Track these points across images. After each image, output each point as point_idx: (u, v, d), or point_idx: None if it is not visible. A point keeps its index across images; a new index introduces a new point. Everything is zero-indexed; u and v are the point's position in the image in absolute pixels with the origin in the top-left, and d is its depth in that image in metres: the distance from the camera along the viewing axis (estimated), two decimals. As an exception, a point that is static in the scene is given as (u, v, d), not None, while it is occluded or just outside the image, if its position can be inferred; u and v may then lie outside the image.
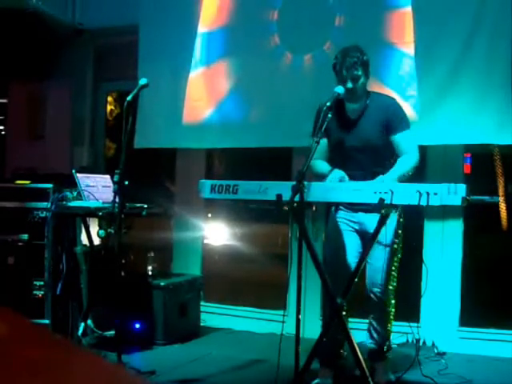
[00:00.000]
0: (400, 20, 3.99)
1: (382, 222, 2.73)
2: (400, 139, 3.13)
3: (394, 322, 3.32)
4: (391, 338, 3.36)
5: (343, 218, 3.23)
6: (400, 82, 3.96)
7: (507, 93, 3.62)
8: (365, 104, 3.17)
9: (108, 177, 4.03)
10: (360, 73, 3.05)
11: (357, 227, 3.21)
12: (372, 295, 3.22)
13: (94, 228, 3.88)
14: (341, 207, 3.22)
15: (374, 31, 4.04)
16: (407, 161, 3.11)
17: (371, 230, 2.97)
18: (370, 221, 3.07)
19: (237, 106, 4.54)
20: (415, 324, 3.79)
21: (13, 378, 0.57)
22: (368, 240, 2.98)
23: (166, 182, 5.54)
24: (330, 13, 4.20)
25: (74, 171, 3.86)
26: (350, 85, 3.03)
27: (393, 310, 3.25)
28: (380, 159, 3.13)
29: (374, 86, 3.61)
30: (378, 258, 3.12)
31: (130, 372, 2.80)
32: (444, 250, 4.08)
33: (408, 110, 3.77)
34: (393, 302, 3.23)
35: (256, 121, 4.45)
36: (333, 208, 3.26)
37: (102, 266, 3.84)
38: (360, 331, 3.36)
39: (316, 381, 3.21)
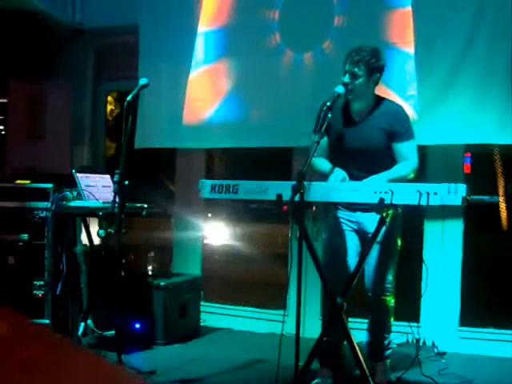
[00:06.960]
0: (400, 20, 3.99)
1: (382, 223, 2.72)
2: (402, 148, 3.13)
3: (394, 322, 3.31)
4: (391, 337, 3.36)
5: (341, 217, 3.22)
6: (400, 82, 3.95)
7: (507, 93, 3.62)
8: (370, 106, 3.16)
9: (108, 177, 4.03)
10: (361, 72, 3.04)
11: (355, 227, 3.20)
12: (371, 294, 3.22)
13: (94, 228, 3.87)
14: (339, 207, 3.21)
15: (374, 31, 4.04)
16: (405, 166, 3.10)
17: (370, 230, 2.97)
18: (369, 220, 3.06)
19: (237, 106, 4.53)
20: (415, 324, 3.79)
21: (12, 377, 0.56)
22: (367, 240, 2.98)
23: (166, 181, 5.54)
24: (330, 12, 4.20)
25: (74, 171, 3.86)
26: (346, 79, 3.03)
27: (392, 308, 3.25)
28: (381, 162, 3.12)
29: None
30: (376, 256, 3.11)
31: (130, 372, 2.80)
32: (444, 250, 4.08)
33: (408, 109, 3.77)
34: (392, 300, 3.23)
35: (256, 121, 4.45)
36: (330, 207, 3.25)
37: (102, 266, 3.84)
38: (360, 331, 3.36)
39: (316, 381, 3.20)
